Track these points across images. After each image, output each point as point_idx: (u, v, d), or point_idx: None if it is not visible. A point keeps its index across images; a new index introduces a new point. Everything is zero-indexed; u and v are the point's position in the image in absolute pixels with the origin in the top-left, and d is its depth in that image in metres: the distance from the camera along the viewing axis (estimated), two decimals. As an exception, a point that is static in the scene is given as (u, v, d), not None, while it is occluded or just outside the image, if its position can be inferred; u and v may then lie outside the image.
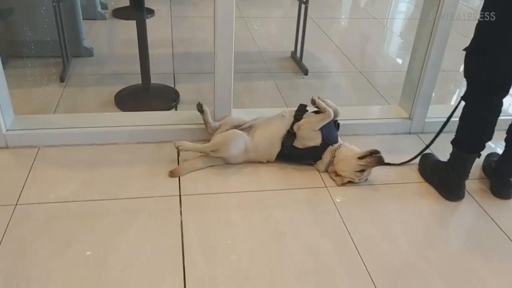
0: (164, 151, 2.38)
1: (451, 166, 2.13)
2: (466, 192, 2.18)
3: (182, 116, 2.56)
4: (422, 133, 2.70)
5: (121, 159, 2.30)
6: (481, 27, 1.89)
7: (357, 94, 3.19)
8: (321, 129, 2.25)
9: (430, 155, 2.38)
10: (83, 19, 3.52)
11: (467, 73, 2.01)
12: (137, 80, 2.95)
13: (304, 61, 3.49)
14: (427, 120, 2.66)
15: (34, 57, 3.22)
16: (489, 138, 2.06)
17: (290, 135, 2.27)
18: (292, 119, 2.30)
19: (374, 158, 2.16)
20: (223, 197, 2.09)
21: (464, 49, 1.97)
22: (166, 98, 2.87)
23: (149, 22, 4.10)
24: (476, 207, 2.14)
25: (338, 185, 2.20)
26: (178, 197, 2.08)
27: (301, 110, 2.34)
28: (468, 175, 2.14)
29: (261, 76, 3.31)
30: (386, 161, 2.22)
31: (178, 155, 2.34)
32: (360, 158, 2.18)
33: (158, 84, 3.01)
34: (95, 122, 2.45)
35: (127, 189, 2.09)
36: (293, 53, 3.64)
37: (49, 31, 3.08)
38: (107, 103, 2.82)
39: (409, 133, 2.69)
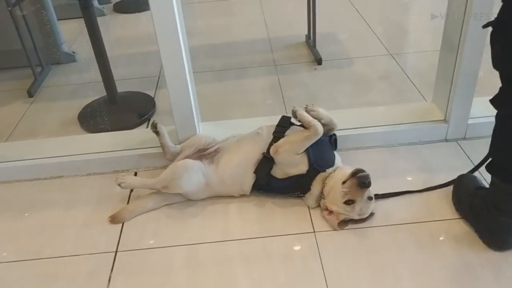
0: (116, 186, 1.89)
1: (493, 202, 1.43)
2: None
3: (146, 136, 2.04)
4: (464, 139, 1.97)
5: (62, 199, 1.84)
6: None
7: (383, 88, 2.48)
8: (307, 150, 1.63)
9: (469, 178, 1.67)
10: (76, 17, 3.09)
11: (497, 62, 1.28)
12: (122, 86, 2.50)
13: (319, 46, 2.82)
14: (470, 121, 1.93)
15: (1, 69, 2.86)
16: None
17: (266, 160, 1.67)
18: (270, 138, 1.70)
19: (355, 179, 1.51)
20: (171, 252, 1.56)
21: (485, 25, 1.26)
22: (138, 111, 2.37)
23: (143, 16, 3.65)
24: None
25: (336, 229, 1.58)
26: (114, 254, 1.58)
27: (283, 125, 1.73)
28: None
29: (262, 71, 2.69)
30: (403, 187, 1.58)
31: (131, 191, 1.84)
32: (344, 182, 1.55)
33: (131, 92, 2.52)
34: (40, 152, 2.01)
35: (54, 243, 1.63)
36: (307, 38, 2.97)
37: (17, 39, 2.69)
38: (72, 121, 2.38)
39: (446, 140, 1.97)
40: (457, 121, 1.91)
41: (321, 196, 1.63)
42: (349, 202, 1.52)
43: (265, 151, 1.67)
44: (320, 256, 1.50)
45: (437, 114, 1.98)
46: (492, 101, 1.34)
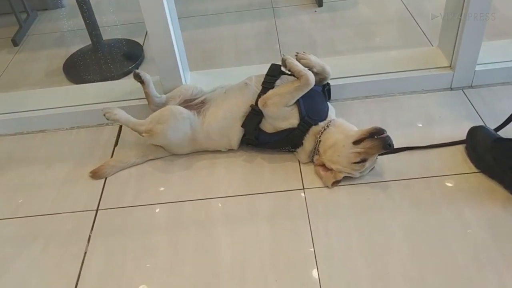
0: (101, 138, 1.81)
1: None
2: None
3: (132, 86, 1.92)
4: (470, 87, 1.82)
5: (43, 154, 1.77)
6: None
7: (387, 32, 2.29)
8: (297, 102, 1.51)
9: (483, 130, 1.54)
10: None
11: None
12: (109, 34, 2.36)
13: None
14: (477, 68, 1.77)
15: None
16: None
17: (255, 113, 1.56)
18: (259, 89, 1.58)
19: (377, 141, 1.40)
20: (152, 211, 1.50)
21: None
22: (125, 59, 2.24)
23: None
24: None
25: (329, 186, 1.49)
26: (94, 212, 1.52)
27: (273, 75, 1.59)
28: None
29: (258, 15, 2.51)
30: (399, 143, 1.45)
31: (116, 144, 1.76)
32: (356, 142, 1.44)
33: (118, 40, 2.37)
34: (22, 105, 1.91)
35: (33, 201, 1.57)
36: (309, -24, 2.75)
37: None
38: (57, 72, 2.26)
39: (451, 88, 1.83)
40: (464, 67, 1.76)
41: (315, 151, 1.53)
42: (360, 163, 1.43)
43: (253, 103, 1.56)
44: (308, 215, 1.42)
45: (442, 60, 1.82)
46: None
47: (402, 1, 2.47)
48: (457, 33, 1.69)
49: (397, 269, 1.25)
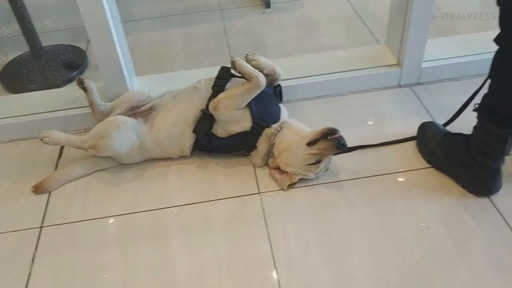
0: (43, 150, 1.69)
1: (480, 147, 1.34)
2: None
3: (75, 94, 1.82)
4: (418, 84, 1.86)
5: (-22, 170, 1.64)
6: None
7: (335, 32, 2.30)
8: (249, 105, 1.48)
9: (432, 126, 1.57)
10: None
11: None
12: (49, 39, 2.23)
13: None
14: (424, 65, 1.81)
15: None
16: None
17: (206, 118, 1.51)
18: (210, 93, 1.53)
19: (330, 141, 1.40)
20: (103, 225, 1.42)
21: None
22: (68, 66, 2.12)
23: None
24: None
25: (285, 189, 1.47)
26: (38, 230, 1.42)
27: (223, 77, 1.55)
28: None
29: (205, 17, 2.46)
30: (352, 142, 1.45)
31: (60, 156, 1.66)
32: (310, 143, 1.42)
33: (59, 46, 2.25)
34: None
35: (-31, 222, 1.45)
36: (256, -22, 2.73)
37: None
38: (-8, 81, 2.12)
39: (399, 86, 1.86)
40: (411, 65, 1.79)
41: (269, 154, 1.50)
42: (316, 164, 1.42)
43: (204, 108, 1.51)
44: (265, 219, 1.39)
45: (390, 58, 1.85)
46: (496, 39, 1.22)
47: (348, 1, 2.50)
48: (403, 32, 1.72)
49: (357, 268, 1.25)
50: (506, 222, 1.33)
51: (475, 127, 1.36)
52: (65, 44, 2.26)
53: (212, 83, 1.55)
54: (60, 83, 2.01)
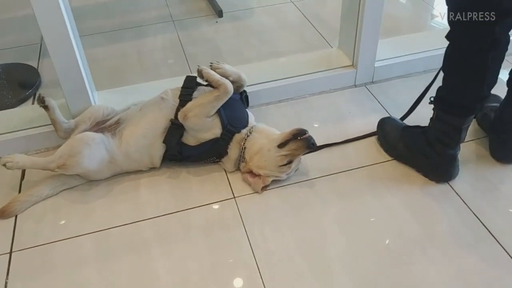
0: (3, 172, 1.62)
1: (438, 137, 1.43)
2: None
3: (33, 113, 1.76)
4: (372, 83, 1.96)
5: None
6: None
7: (288, 37, 2.37)
8: (218, 112, 1.50)
9: (390, 121, 1.66)
10: None
11: None
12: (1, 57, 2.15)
13: (220, -2, 2.63)
14: (376, 64, 1.91)
15: None
16: (491, 88, 1.36)
17: (175, 127, 1.51)
18: (177, 102, 1.54)
19: (301, 142, 1.45)
20: (77, 244, 1.38)
21: None
22: (20, 85, 2.05)
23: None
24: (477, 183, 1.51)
25: (259, 192, 1.50)
26: (8, 255, 1.36)
27: (189, 87, 1.57)
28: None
29: (159, 29, 2.46)
30: (317, 142, 1.50)
31: (22, 177, 1.60)
32: (281, 145, 1.47)
33: (9, 64, 2.17)
34: None
35: None
36: (204, -11, 2.76)
37: None
38: None
39: (355, 85, 1.95)
40: (365, 65, 1.89)
41: (241, 159, 1.53)
42: (287, 165, 1.46)
43: (173, 118, 1.52)
44: (243, 222, 1.41)
45: (345, 60, 1.94)
46: (448, 36, 1.32)
47: (298, 8, 2.59)
48: (356, 34, 1.81)
49: (336, 261, 1.30)
50: (466, 204, 1.43)
51: (431, 119, 1.46)
52: (15, 63, 2.19)
53: (179, 92, 1.56)
54: (14, 102, 1.94)
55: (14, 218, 1.47)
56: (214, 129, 1.51)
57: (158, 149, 1.54)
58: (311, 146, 1.44)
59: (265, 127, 1.56)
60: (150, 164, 1.58)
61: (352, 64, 1.91)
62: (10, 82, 2.06)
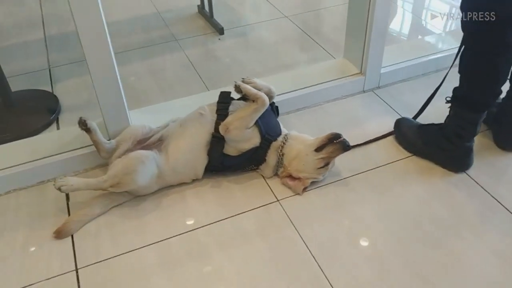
0: (47, 195, 1.68)
1: (455, 131, 1.62)
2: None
3: (66, 136, 1.82)
4: (378, 87, 2.14)
5: (-16, 227, 1.58)
6: None
7: (290, 50, 2.54)
8: (256, 123, 1.62)
9: (406, 121, 1.84)
10: None
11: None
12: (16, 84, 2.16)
13: (215, 16, 2.76)
14: (382, 71, 2.10)
15: None
16: (502, 85, 1.56)
17: (217, 140, 1.62)
18: (215, 116, 1.65)
19: (337, 145, 1.59)
20: (140, 255, 1.46)
21: None
22: (41, 111, 2.09)
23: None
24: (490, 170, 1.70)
25: (300, 193, 1.63)
26: (75, 272, 1.42)
27: (224, 101, 1.68)
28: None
29: (165, 49, 2.56)
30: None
31: (68, 199, 1.66)
32: (318, 149, 1.60)
33: (27, 90, 2.21)
34: None
35: (-4, 279, 1.41)
36: (200, 8, 2.89)
37: None
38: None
39: (363, 91, 2.13)
40: (372, 72, 2.07)
41: (279, 165, 1.66)
42: (325, 167, 1.59)
43: (214, 131, 1.63)
44: (291, 222, 1.54)
45: (352, 68, 2.11)
46: (463, 41, 1.51)
47: (293, 23, 2.75)
48: (364, 44, 1.99)
49: (384, 248, 1.45)
50: (484, 190, 1.62)
51: (448, 116, 1.65)
52: (31, 89, 2.22)
53: (215, 108, 1.67)
54: (39, 128, 1.98)
55: (70, 237, 1.52)
56: (253, 139, 1.63)
57: (202, 162, 1.65)
58: (347, 148, 1.59)
59: (298, 134, 1.70)
60: (194, 176, 1.67)
61: (361, 72, 2.08)
62: (31, 108, 2.10)
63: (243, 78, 1.69)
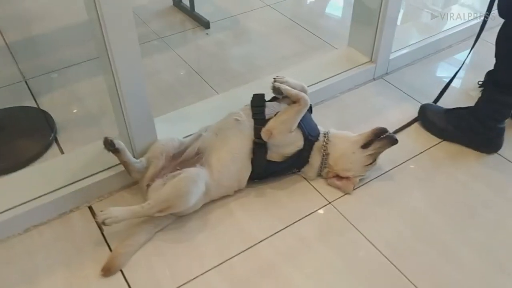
0: (74, 227, 1.50)
1: (489, 115, 1.65)
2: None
3: (79, 159, 1.63)
4: (386, 74, 2.15)
5: (13, 275, 1.37)
6: None
7: (285, 40, 2.45)
8: (299, 125, 1.55)
9: (431, 107, 1.86)
10: None
11: None
12: None
13: (196, 9, 2.59)
14: (390, 57, 2.10)
15: None
16: None
17: (260, 147, 1.53)
18: (252, 121, 1.55)
19: (384, 140, 1.57)
20: (205, 283, 1.35)
21: None
22: (36, 131, 1.85)
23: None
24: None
25: (350, 193, 1.59)
26: (139, 311, 1.29)
27: (259, 105, 1.59)
28: None
29: (151, 48, 2.37)
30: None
31: (101, 229, 1.49)
32: (365, 146, 1.57)
33: (11, 108, 1.95)
34: None
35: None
36: (177, 1, 2.70)
37: None
38: None
39: (374, 79, 2.12)
40: (382, 59, 2.06)
41: (323, 165, 1.60)
42: (372, 164, 1.55)
43: (254, 138, 1.53)
44: (350, 223, 1.50)
45: (361, 57, 2.09)
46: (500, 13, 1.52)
47: (278, 11, 2.67)
48: (376, 31, 1.96)
49: (444, 233, 1.47)
50: (518, 168, 1.69)
51: (480, 100, 1.68)
52: (17, 106, 1.96)
53: (250, 112, 1.57)
54: (40, 150, 1.75)
55: (120, 273, 1.38)
56: (297, 142, 1.56)
57: (246, 171, 1.55)
58: (395, 142, 1.57)
59: (339, 131, 1.65)
60: (237, 187, 1.58)
61: (371, 60, 2.07)
62: (24, 130, 1.85)
63: (274, 78, 1.60)
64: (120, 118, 1.52)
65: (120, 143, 1.48)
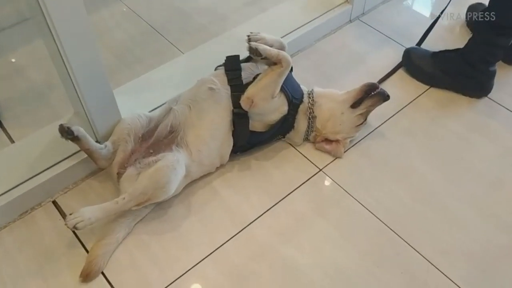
0: (41, 231, 1.32)
1: (482, 57, 1.54)
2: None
3: (35, 148, 1.40)
4: (363, 14, 1.97)
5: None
6: None
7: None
8: (282, 88, 1.38)
9: (416, 51, 1.72)
10: None
11: None
12: None
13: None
14: (364, -5, 1.92)
15: None
16: None
17: (240, 117, 1.37)
18: (228, 89, 1.37)
19: (375, 97, 1.44)
20: (200, 272, 1.23)
21: None
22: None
23: None
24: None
25: (341, 157, 1.47)
26: (130, 318, 1.17)
27: (235, 69, 1.39)
28: None
29: (97, 1, 2.06)
30: (352, 82, 1.53)
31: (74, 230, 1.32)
32: (354, 105, 1.43)
33: None
34: None
35: None
36: None
37: None
38: None
39: (350, 21, 1.94)
40: (359, -1, 1.88)
41: (309, 130, 1.46)
42: (363, 123, 1.44)
43: (233, 107, 1.36)
44: (346, 191, 1.40)
45: (337, -2, 1.89)
46: None
47: None
48: (352, -31, 1.76)
49: (445, 193, 1.40)
50: (510, 110, 1.61)
51: (472, 41, 1.55)
52: None
53: (225, 78, 1.38)
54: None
55: (101, 276, 1.23)
56: (281, 107, 1.40)
57: (228, 146, 1.39)
58: (387, 98, 1.44)
59: (323, 90, 1.49)
60: (219, 163, 1.42)
61: (347, 0, 1.87)
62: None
63: (248, 35, 1.39)
64: (72, 93, 1.28)
65: (79, 129, 1.27)
